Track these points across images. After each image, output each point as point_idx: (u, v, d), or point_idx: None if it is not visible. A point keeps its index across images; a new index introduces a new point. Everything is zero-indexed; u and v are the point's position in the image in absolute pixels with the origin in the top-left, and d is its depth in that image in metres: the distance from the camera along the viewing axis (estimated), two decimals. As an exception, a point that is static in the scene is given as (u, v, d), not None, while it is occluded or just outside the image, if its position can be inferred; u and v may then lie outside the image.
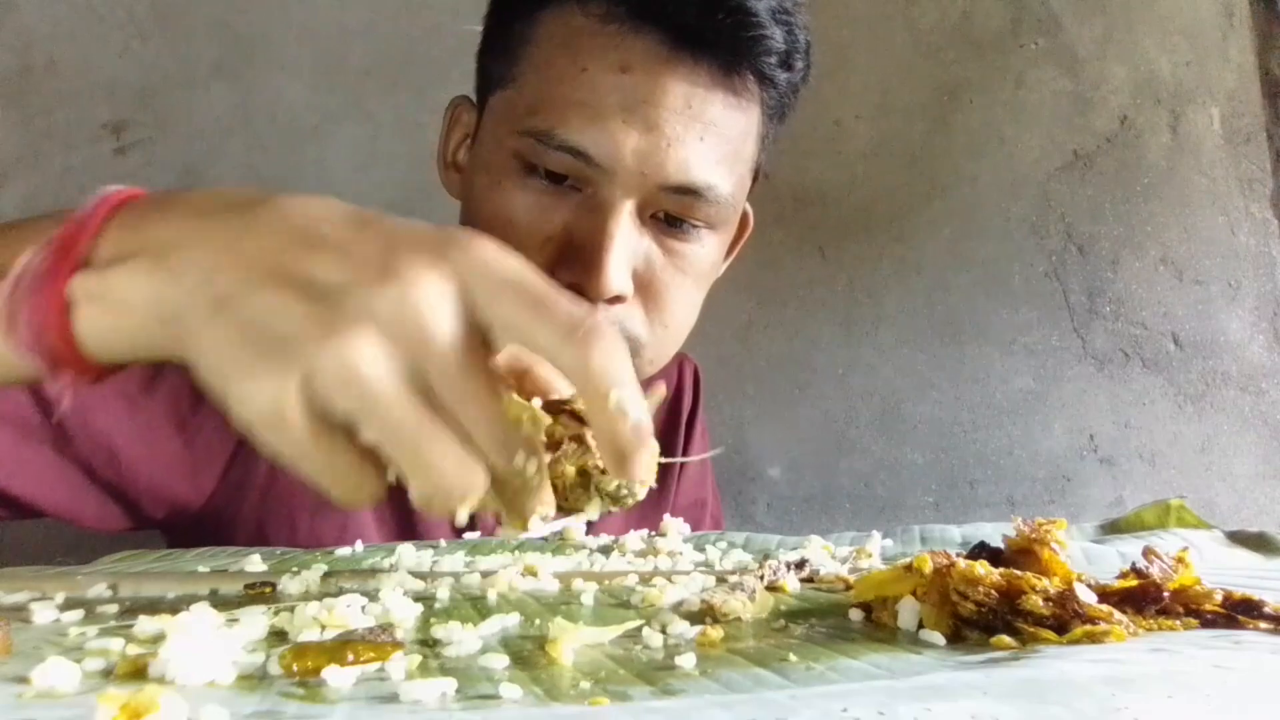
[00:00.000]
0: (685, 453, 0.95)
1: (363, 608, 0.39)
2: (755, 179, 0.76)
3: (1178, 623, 0.37)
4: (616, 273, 0.64)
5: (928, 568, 0.37)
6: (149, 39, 1.41)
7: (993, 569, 0.36)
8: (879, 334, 1.43)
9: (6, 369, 0.36)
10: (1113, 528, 0.67)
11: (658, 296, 0.69)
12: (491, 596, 0.45)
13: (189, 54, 1.41)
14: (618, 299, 0.66)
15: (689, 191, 0.66)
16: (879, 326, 1.43)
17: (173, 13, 1.42)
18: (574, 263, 0.65)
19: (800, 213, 1.44)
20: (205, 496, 0.69)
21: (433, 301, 0.31)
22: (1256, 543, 0.58)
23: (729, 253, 0.81)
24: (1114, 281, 1.40)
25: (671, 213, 0.67)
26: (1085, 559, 0.55)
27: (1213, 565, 0.51)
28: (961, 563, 0.37)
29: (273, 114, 1.42)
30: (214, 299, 0.32)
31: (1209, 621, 0.37)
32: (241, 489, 0.69)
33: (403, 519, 0.74)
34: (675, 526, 0.69)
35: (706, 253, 0.71)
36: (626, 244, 0.65)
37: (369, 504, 0.34)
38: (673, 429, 0.94)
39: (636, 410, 0.32)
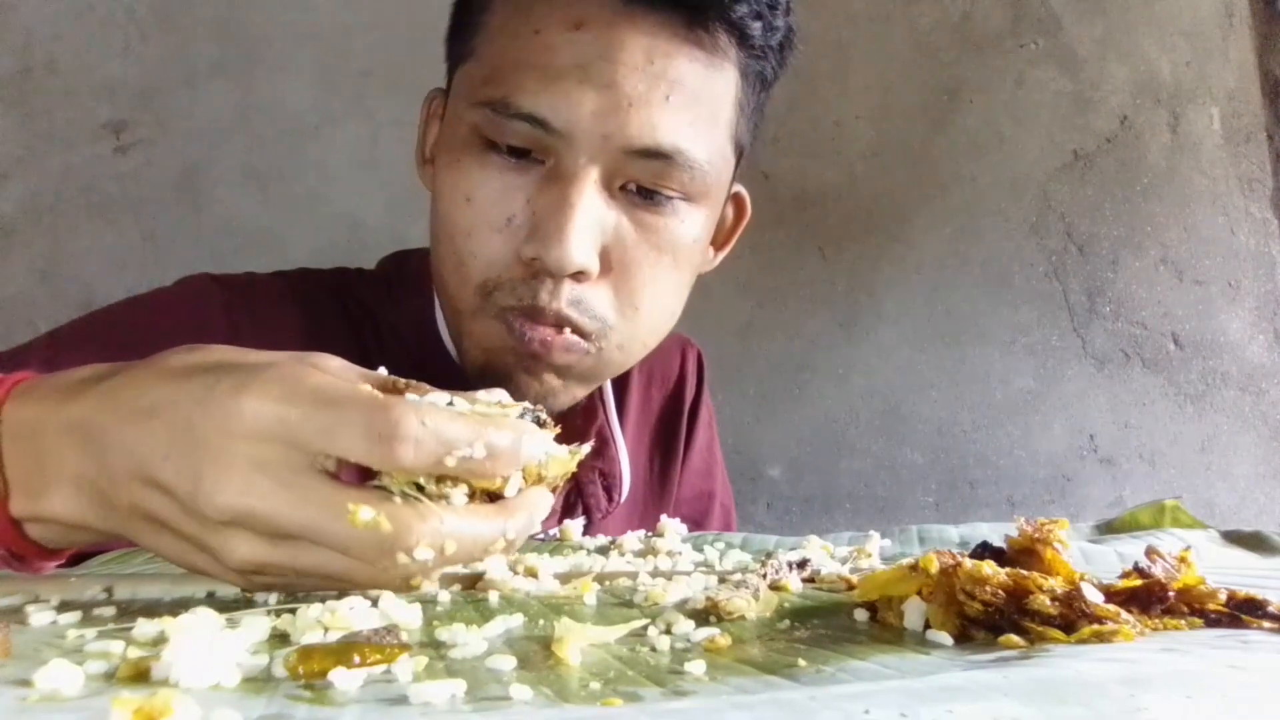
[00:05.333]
0: (689, 445, 0.92)
1: (366, 610, 0.38)
2: (740, 156, 0.70)
3: (1183, 622, 0.37)
4: (578, 245, 0.60)
5: (934, 567, 0.37)
6: (149, 39, 1.41)
7: (999, 569, 0.36)
8: (879, 334, 1.43)
9: None
10: (1108, 528, 0.67)
11: (629, 275, 0.64)
12: (493, 598, 0.45)
13: (189, 54, 1.41)
14: (581, 274, 0.62)
15: (657, 155, 0.61)
16: (879, 326, 1.43)
17: (173, 12, 1.42)
18: (535, 237, 0.61)
19: (800, 213, 1.44)
20: None
21: (242, 489, 0.36)
22: (1252, 542, 0.58)
23: (725, 242, 0.77)
24: (1114, 281, 1.41)
25: (642, 183, 0.63)
26: (1084, 559, 0.55)
27: (1210, 565, 0.51)
28: (968, 562, 0.36)
29: (273, 114, 1.42)
30: (124, 517, 0.39)
31: (1213, 621, 0.37)
32: None
33: None
34: (673, 527, 0.68)
35: (686, 228, 0.65)
36: (590, 214, 0.61)
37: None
38: (674, 418, 0.90)
39: (480, 448, 0.37)
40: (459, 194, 0.63)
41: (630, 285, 0.65)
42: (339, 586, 0.39)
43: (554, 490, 0.41)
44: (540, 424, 0.41)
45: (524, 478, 0.40)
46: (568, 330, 0.63)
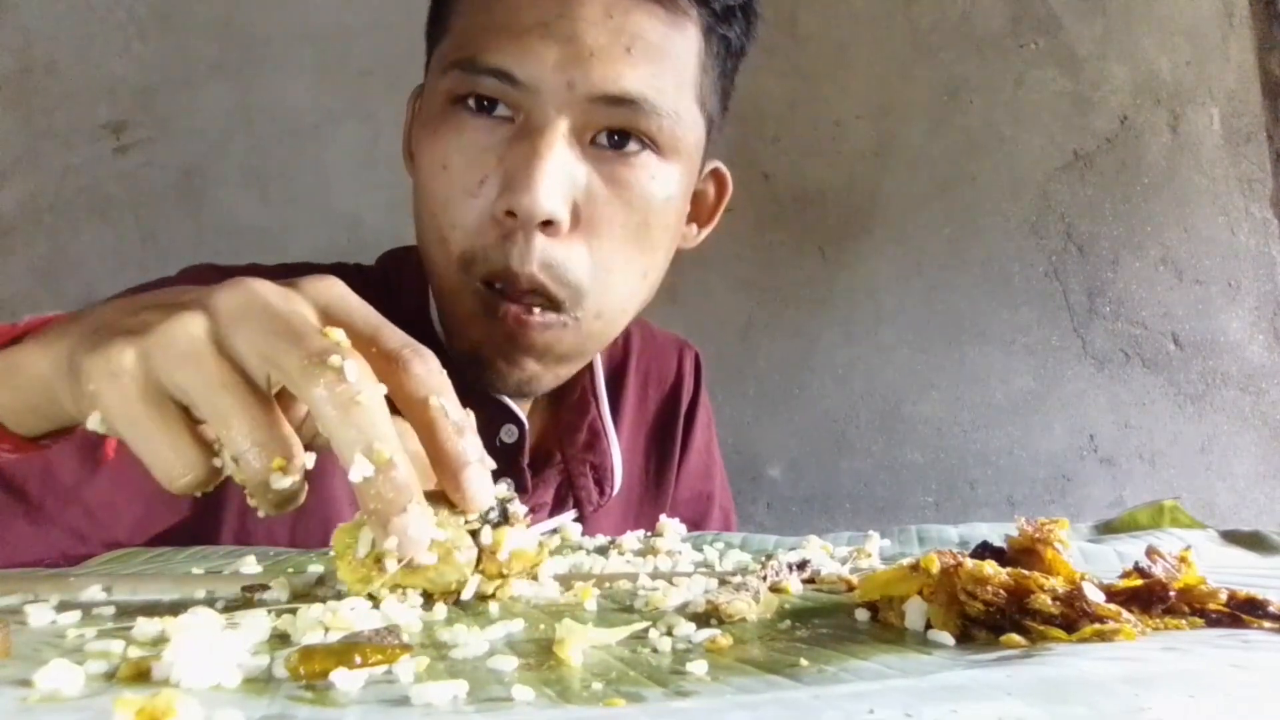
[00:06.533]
0: (685, 447, 0.92)
1: (367, 610, 0.38)
2: (710, 127, 0.72)
3: (1184, 622, 0.37)
4: (547, 191, 0.61)
5: (935, 567, 0.37)
6: (149, 39, 1.41)
7: (1000, 569, 0.36)
8: (879, 334, 1.43)
9: None
10: (1106, 528, 0.67)
11: (600, 232, 0.65)
12: (492, 608, 0.45)
13: (189, 54, 1.41)
14: (550, 225, 0.63)
15: (623, 102, 0.63)
16: (879, 326, 1.43)
17: (173, 12, 1.42)
18: (507, 189, 0.62)
19: (800, 213, 1.44)
20: (185, 515, 0.67)
21: (268, 295, 0.38)
22: (1251, 541, 0.58)
23: (708, 219, 0.78)
24: (1114, 281, 1.41)
25: (610, 127, 0.64)
26: (1083, 559, 0.55)
27: (1209, 565, 0.51)
28: (969, 562, 0.36)
29: (273, 114, 1.42)
30: (94, 331, 0.38)
31: (1214, 621, 0.37)
32: (220, 501, 0.67)
33: None
34: (672, 527, 0.68)
35: (658, 186, 0.66)
36: (559, 163, 0.62)
37: (191, 487, 0.38)
38: (671, 419, 0.91)
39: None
40: (436, 163, 0.65)
41: (602, 244, 0.66)
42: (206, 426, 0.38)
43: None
44: (505, 516, 0.42)
45: (484, 573, 0.41)
46: (537, 310, 0.65)
